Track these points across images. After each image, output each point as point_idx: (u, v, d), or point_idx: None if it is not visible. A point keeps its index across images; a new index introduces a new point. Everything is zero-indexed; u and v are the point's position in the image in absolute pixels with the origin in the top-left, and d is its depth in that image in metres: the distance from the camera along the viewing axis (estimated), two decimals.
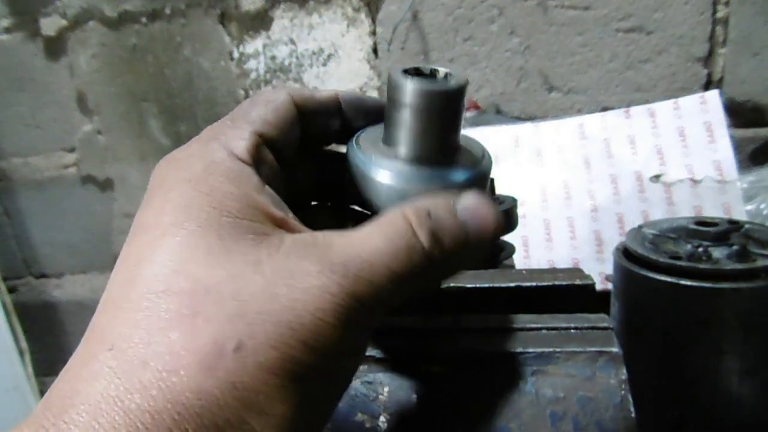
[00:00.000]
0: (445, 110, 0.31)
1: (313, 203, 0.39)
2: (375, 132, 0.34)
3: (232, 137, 0.30)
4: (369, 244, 0.27)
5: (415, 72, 0.32)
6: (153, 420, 0.22)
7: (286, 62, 1.46)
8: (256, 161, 0.30)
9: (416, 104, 0.31)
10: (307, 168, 0.37)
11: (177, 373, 0.23)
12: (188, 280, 0.25)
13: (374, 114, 0.35)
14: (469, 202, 0.29)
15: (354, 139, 0.34)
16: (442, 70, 0.32)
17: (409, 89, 0.30)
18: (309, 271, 0.25)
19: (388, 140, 0.33)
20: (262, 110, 0.32)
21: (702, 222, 0.57)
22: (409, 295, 0.28)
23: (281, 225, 0.28)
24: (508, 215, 0.64)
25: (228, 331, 0.24)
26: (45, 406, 0.24)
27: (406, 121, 0.31)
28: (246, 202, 0.27)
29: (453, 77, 0.31)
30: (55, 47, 1.57)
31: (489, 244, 0.30)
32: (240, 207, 0.27)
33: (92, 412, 0.22)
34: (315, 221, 0.33)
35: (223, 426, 0.23)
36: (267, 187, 0.29)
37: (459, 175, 0.32)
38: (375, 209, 0.33)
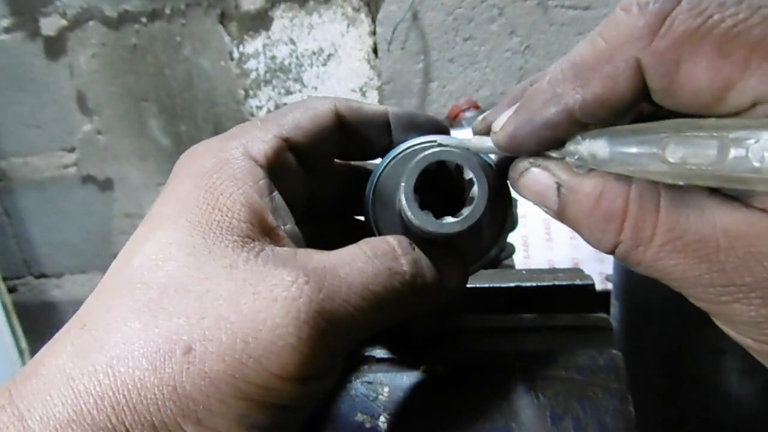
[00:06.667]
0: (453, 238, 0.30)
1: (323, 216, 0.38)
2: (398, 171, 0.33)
3: (253, 137, 0.29)
4: (350, 263, 0.27)
5: (436, 172, 0.29)
6: (95, 404, 0.23)
7: (286, 62, 1.46)
8: (274, 165, 0.29)
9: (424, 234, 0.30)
10: (337, 178, 0.36)
11: (125, 362, 0.23)
12: (165, 275, 0.25)
13: (426, 130, 0.34)
14: (445, 251, 0.30)
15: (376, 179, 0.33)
16: (468, 174, 0.29)
17: (416, 225, 0.29)
18: (281, 280, 0.24)
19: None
20: (298, 115, 0.31)
21: None
22: (385, 323, 0.28)
23: (269, 233, 0.28)
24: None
25: (182, 333, 0.24)
26: (19, 372, 0.25)
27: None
28: (242, 202, 0.27)
29: (474, 197, 0.29)
30: (55, 47, 1.57)
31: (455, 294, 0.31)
32: (234, 205, 0.27)
33: (48, 384, 0.23)
34: (327, 234, 0.33)
35: (158, 426, 0.23)
36: (276, 193, 0.29)
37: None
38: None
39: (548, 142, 0.26)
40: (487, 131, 0.30)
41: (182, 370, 0.23)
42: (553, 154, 0.27)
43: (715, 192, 0.23)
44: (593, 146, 0.24)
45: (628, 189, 0.24)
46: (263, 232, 0.27)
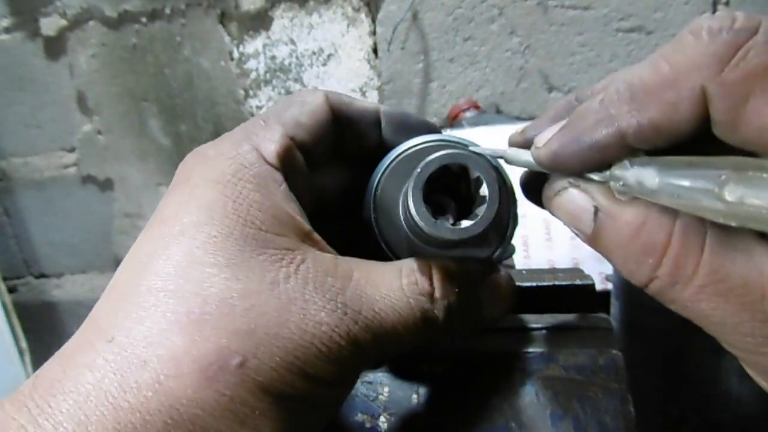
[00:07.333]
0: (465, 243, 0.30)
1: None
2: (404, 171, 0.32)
3: (263, 139, 0.29)
4: (385, 298, 0.28)
5: (442, 174, 0.29)
6: (144, 421, 0.22)
7: (286, 62, 1.46)
8: (286, 166, 0.29)
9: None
10: (337, 174, 0.36)
11: (176, 378, 0.23)
12: (201, 285, 0.25)
13: (417, 132, 0.33)
14: (495, 284, 0.32)
15: (380, 174, 0.32)
16: (474, 173, 0.29)
17: (427, 231, 0.29)
18: (323, 306, 0.26)
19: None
20: (296, 111, 0.30)
21: None
22: (407, 350, 0.30)
23: (306, 238, 0.28)
24: None
25: (234, 346, 0.24)
26: (32, 384, 0.24)
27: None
28: (272, 213, 0.27)
29: (483, 206, 0.28)
30: (55, 47, 1.57)
31: (497, 321, 0.32)
32: (265, 218, 0.27)
33: (81, 402, 0.22)
34: (332, 233, 0.32)
35: None
36: (293, 195, 0.29)
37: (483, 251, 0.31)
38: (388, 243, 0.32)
39: (593, 164, 0.25)
40: (524, 144, 0.29)
41: (239, 381, 0.24)
42: (595, 177, 0.26)
43: (764, 237, 0.22)
44: (642, 174, 0.23)
45: (672, 223, 0.23)
46: (302, 239, 0.28)
